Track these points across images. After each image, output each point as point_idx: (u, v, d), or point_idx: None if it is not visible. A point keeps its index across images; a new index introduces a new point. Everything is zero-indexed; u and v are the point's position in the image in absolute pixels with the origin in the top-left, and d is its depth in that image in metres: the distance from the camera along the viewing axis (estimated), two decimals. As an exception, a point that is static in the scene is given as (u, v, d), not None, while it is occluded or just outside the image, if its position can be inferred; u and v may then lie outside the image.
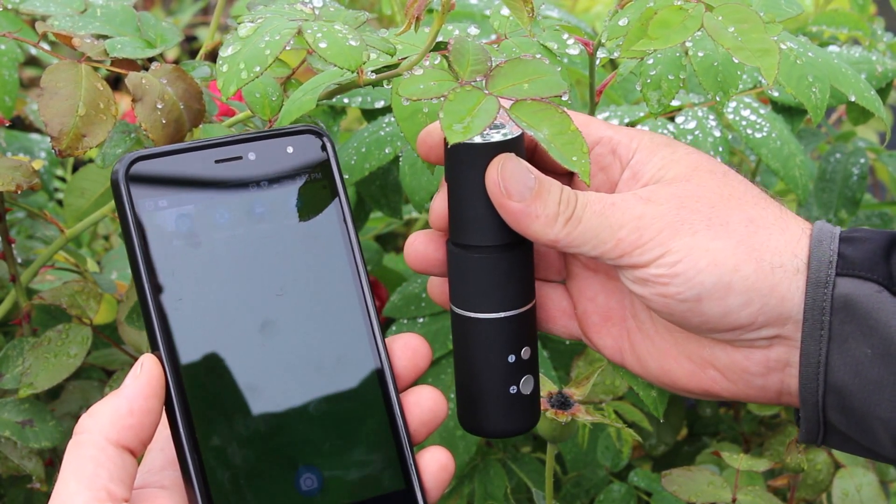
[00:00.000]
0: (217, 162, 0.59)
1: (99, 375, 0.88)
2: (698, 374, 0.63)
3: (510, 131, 0.60)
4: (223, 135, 0.64)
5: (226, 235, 0.58)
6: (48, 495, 0.86)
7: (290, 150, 0.60)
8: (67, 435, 0.84)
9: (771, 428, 0.97)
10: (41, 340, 0.79)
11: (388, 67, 0.65)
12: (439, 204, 0.63)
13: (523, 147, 0.61)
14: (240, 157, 0.59)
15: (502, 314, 0.62)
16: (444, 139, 0.60)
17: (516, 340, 0.63)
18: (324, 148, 0.61)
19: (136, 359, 0.84)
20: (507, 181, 0.59)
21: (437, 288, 0.66)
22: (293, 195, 0.60)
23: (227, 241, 0.58)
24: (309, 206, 0.60)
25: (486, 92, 0.58)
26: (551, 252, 0.66)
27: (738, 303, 0.59)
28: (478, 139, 0.59)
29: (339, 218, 0.60)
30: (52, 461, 0.85)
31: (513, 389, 0.63)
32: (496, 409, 0.63)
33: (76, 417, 0.86)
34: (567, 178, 0.64)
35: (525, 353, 0.63)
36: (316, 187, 0.60)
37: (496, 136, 0.60)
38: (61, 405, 0.86)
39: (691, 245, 0.59)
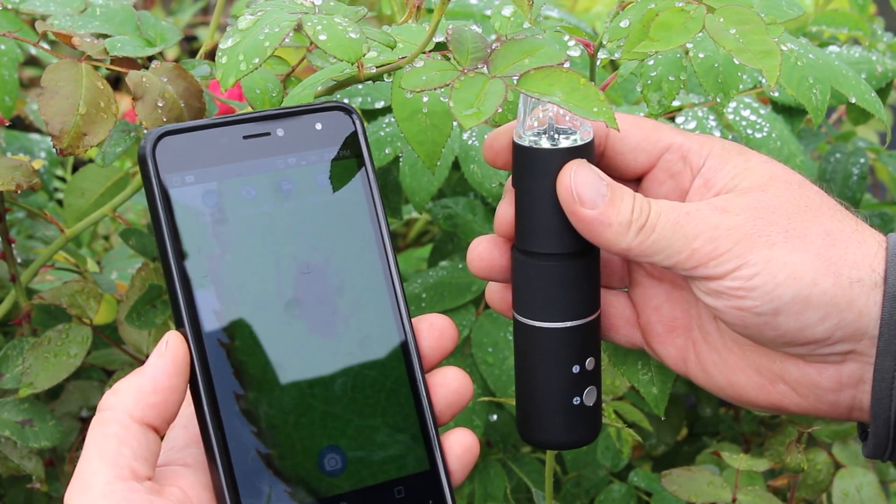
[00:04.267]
0: (245, 138, 0.58)
1: (99, 375, 0.88)
2: (767, 387, 0.62)
3: (580, 137, 0.59)
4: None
5: (253, 212, 0.58)
6: (48, 495, 0.86)
7: (318, 126, 0.60)
8: (67, 435, 0.84)
9: (771, 428, 0.97)
10: (41, 340, 0.79)
11: (388, 64, 0.65)
12: (505, 209, 0.62)
13: (594, 153, 0.60)
14: (268, 133, 0.59)
15: (569, 324, 0.61)
16: (513, 143, 0.60)
17: (581, 351, 0.61)
18: (353, 125, 0.60)
19: (136, 359, 0.85)
20: (580, 188, 0.58)
21: (496, 294, 0.65)
22: (321, 172, 0.59)
23: (255, 217, 0.58)
24: (337, 184, 0.59)
25: (490, 75, 0.58)
26: (614, 259, 0.65)
27: (816, 317, 0.58)
28: (547, 144, 0.59)
29: (368, 196, 0.60)
30: (52, 461, 0.85)
31: (576, 400, 0.62)
32: (559, 421, 0.62)
33: (76, 417, 0.86)
34: (634, 184, 0.63)
35: (589, 363, 0.62)
36: (344, 164, 0.60)
37: (566, 142, 0.59)
38: (61, 405, 0.86)
39: (769, 257, 0.57)
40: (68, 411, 0.86)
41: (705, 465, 0.90)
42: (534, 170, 0.59)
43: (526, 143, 0.59)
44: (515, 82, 0.57)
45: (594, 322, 0.62)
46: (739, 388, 0.63)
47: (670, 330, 0.64)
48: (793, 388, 0.61)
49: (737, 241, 0.58)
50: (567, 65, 0.58)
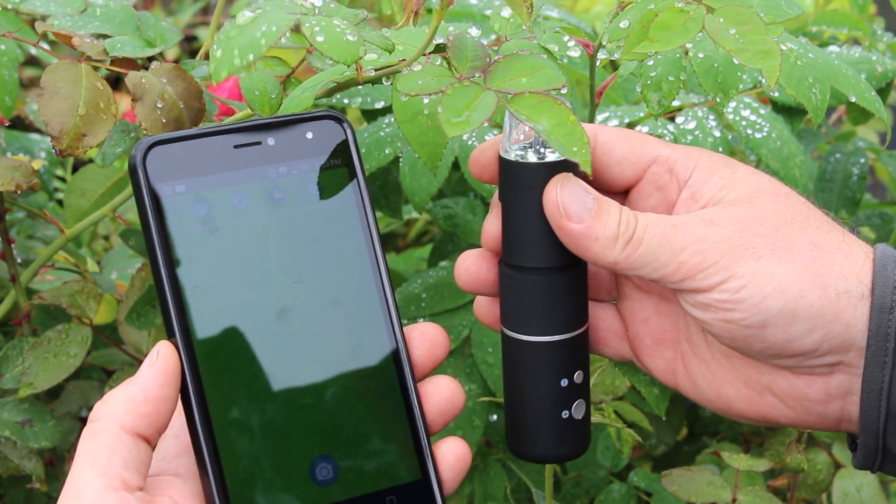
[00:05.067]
0: (236, 147, 0.58)
1: (99, 375, 0.88)
2: (756, 399, 0.62)
3: None
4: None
5: (244, 221, 0.58)
6: (48, 495, 0.86)
7: (309, 135, 0.60)
8: (67, 435, 0.84)
9: (771, 428, 0.97)
10: (41, 340, 0.79)
11: (387, 67, 0.65)
12: (492, 223, 0.62)
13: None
14: (259, 143, 0.59)
15: (556, 337, 0.61)
16: (500, 157, 0.60)
17: (570, 364, 0.61)
18: (343, 134, 0.60)
19: (135, 359, 0.85)
20: (566, 202, 0.58)
21: (485, 308, 0.65)
22: (312, 181, 0.59)
23: (246, 226, 0.58)
24: (328, 193, 0.60)
25: (485, 87, 0.58)
26: (602, 272, 0.65)
27: (803, 329, 0.58)
28: (533, 158, 0.59)
29: (359, 204, 0.60)
30: (52, 461, 0.85)
31: (565, 414, 0.62)
32: (547, 434, 0.62)
33: (76, 417, 0.86)
34: (622, 197, 0.63)
35: (578, 377, 0.62)
36: (335, 173, 0.60)
37: (552, 156, 0.59)
38: (61, 405, 0.86)
39: (756, 270, 0.57)
40: (68, 411, 0.86)
41: (705, 465, 0.90)
42: (520, 184, 0.59)
43: (512, 158, 0.59)
44: (510, 98, 0.57)
45: (582, 335, 0.62)
46: (728, 400, 0.62)
47: (659, 343, 0.64)
48: (781, 399, 0.61)
49: (724, 253, 0.57)
50: (564, 90, 0.58)
